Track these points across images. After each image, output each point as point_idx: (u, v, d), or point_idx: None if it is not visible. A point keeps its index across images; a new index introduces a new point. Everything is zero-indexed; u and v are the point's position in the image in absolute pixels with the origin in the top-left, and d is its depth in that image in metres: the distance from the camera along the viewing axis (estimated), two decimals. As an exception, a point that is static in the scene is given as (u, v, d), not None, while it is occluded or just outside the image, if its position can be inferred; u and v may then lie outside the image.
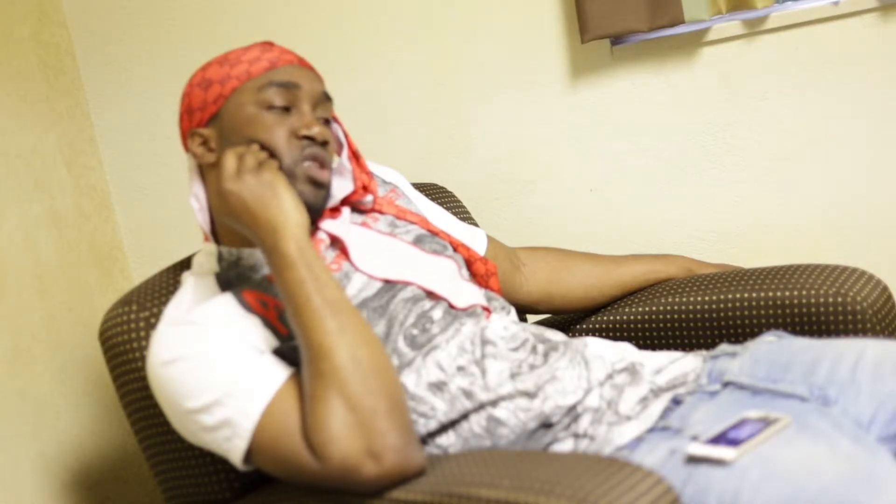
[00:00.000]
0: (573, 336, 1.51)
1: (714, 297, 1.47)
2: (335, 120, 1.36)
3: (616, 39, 1.96)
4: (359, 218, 1.37)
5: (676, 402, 1.23)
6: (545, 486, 0.93)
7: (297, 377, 1.12)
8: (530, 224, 2.04)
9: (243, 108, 1.26)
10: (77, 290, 1.87)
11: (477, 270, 1.41)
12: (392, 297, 1.25)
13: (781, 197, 1.98)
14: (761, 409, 1.14)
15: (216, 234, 1.30)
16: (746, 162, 1.97)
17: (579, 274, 1.58)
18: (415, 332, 1.23)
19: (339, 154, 1.37)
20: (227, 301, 1.20)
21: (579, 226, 2.03)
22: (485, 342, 1.23)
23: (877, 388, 1.13)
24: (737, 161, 1.98)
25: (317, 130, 1.25)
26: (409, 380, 1.20)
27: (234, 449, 1.11)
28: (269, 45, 1.32)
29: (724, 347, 1.32)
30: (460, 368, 1.20)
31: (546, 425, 1.19)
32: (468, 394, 1.19)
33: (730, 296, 1.45)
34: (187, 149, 1.30)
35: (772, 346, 1.27)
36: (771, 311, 1.41)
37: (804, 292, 1.39)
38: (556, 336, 1.29)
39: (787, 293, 1.40)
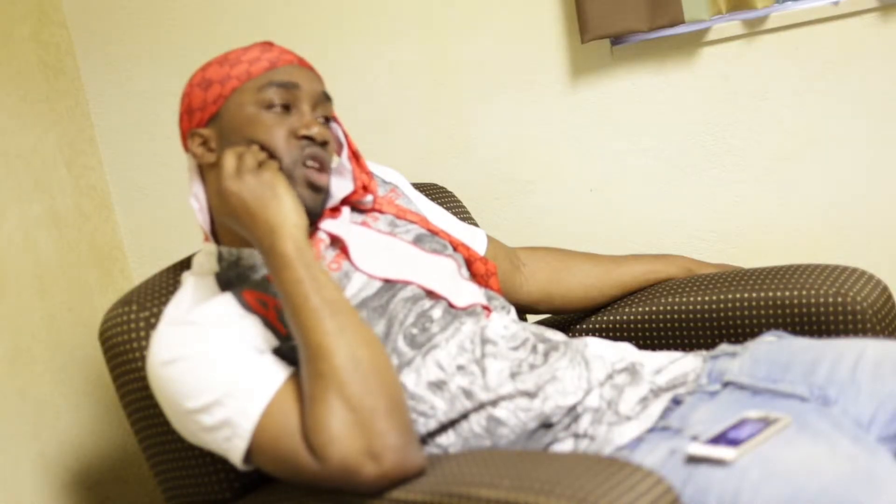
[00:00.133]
0: (573, 336, 1.51)
1: (714, 297, 1.47)
2: (335, 120, 1.36)
3: (616, 39, 1.96)
4: (359, 217, 1.37)
5: (676, 402, 1.23)
6: (545, 486, 0.93)
7: (296, 377, 1.12)
8: (530, 224, 2.04)
9: (243, 108, 1.26)
10: (77, 290, 1.87)
11: (477, 270, 1.41)
12: (392, 297, 1.25)
13: (781, 197, 1.98)
14: (761, 409, 1.14)
15: (216, 234, 1.30)
16: (746, 162, 1.97)
17: (579, 274, 1.58)
18: (414, 331, 1.23)
19: (339, 154, 1.37)
20: (227, 301, 1.20)
21: (579, 226, 2.03)
22: (485, 341, 1.23)
23: (877, 388, 1.13)
24: (737, 161, 1.98)
25: (316, 130, 1.25)
26: (408, 379, 1.20)
27: (234, 449, 1.11)
28: (268, 45, 1.32)
29: (724, 347, 1.32)
30: (460, 367, 1.20)
31: (546, 425, 1.19)
32: (468, 393, 1.19)
33: (730, 296, 1.45)
34: (187, 149, 1.30)
35: (772, 346, 1.27)
36: (771, 311, 1.41)
37: (804, 292, 1.39)
38: (557, 336, 1.29)
39: (787, 293, 1.40)
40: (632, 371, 1.25)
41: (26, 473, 1.64)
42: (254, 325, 1.18)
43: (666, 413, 1.21)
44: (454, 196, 1.75)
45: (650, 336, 1.53)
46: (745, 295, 1.44)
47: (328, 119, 1.33)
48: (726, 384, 1.24)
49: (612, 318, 1.57)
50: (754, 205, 1.99)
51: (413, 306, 1.25)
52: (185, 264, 1.43)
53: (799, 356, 1.22)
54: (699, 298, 1.48)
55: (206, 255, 1.31)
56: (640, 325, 1.54)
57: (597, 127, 2.00)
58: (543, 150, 2.02)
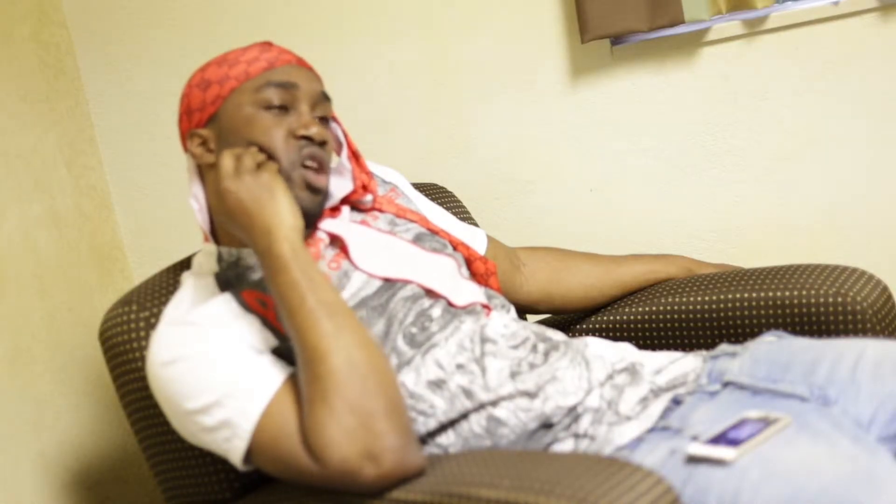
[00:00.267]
0: (573, 336, 1.51)
1: (714, 297, 1.47)
2: (334, 119, 1.36)
3: (616, 39, 1.96)
4: (358, 216, 1.37)
5: (676, 402, 1.23)
6: (545, 486, 0.93)
7: (296, 378, 1.12)
8: (530, 224, 2.04)
9: (241, 109, 1.26)
10: (77, 290, 1.87)
11: (476, 269, 1.41)
12: (391, 296, 1.25)
13: (781, 197, 1.98)
14: (761, 409, 1.14)
15: (216, 234, 1.30)
16: (746, 162, 1.97)
17: (579, 274, 1.58)
18: (414, 330, 1.23)
19: (339, 154, 1.37)
20: (227, 301, 1.20)
21: (579, 226, 2.03)
22: (484, 340, 1.23)
23: (877, 388, 1.13)
24: (737, 161, 1.98)
25: (314, 130, 1.25)
26: (408, 378, 1.20)
27: (234, 450, 1.11)
28: (267, 45, 1.32)
29: (724, 347, 1.32)
30: (459, 366, 1.20)
31: (546, 425, 1.18)
32: (468, 392, 1.19)
33: (730, 296, 1.45)
34: (186, 149, 1.30)
35: (772, 346, 1.27)
36: (771, 311, 1.41)
37: (804, 292, 1.39)
38: (557, 335, 1.29)
39: (787, 293, 1.40)
40: (632, 371, 1.25)
41: (26, 473, 1.64)
42: (253, 326, 1.18)
43: (666, 413, 1.21)
44: (454, 196, 1.75)
45: (650, 336, 1.53)
46: (745, 295, 1.44)
47: (327, 119, 1.32)
48: (726, 384, 1.24)
49: (612, 318, 1.57)
50: (754, 205, 1.99)
51: (412, 305, 1.25)
52: (185, 264, 1.43)
53: (799, 356, 1.22)
54: (699, 298, 1.48)
55: (206, 256, 1.31)
56: (640, 325, 1.54)
57: (597, 127, 2.00)
58: (543, 150, 2.02)
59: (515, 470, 1.00)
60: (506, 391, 1.18)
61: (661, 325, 1.51)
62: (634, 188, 2.01)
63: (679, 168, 1.99)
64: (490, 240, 1.54)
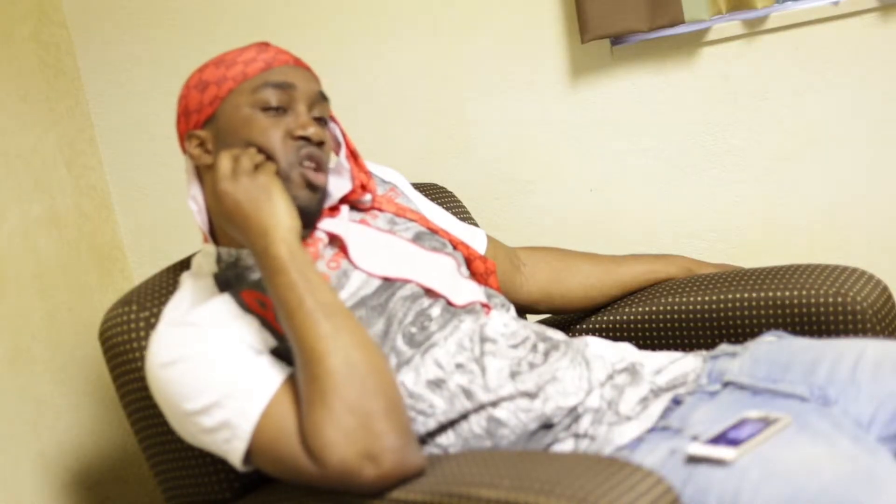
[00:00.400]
0: (573, 336, 1.50)
1: (714, 297, 1.47)
2: (332, 119, 1.36)
3: (616, 39, 1.96)
4: (357, 216, 1.37)
5: (676, 402, 1.23)
6: (545, 486, 0.93)
7: (295, 378, 1.12)
8: (530, 224, 2.04)
9: (239, 110, 1.26)
10: (77, 290, 1.87)
11: (476, 268, 1.41)
12: (391, 295, 1.25)
13: (781, 197, 1.98)
14: (761, 409, 1.13)
15: (215, 235, 1.30)
16: (746, 162, 1.97)
17: (579, 274, 1.58)
18: (413, 330, 1.23)
19: (337, 153, 1.37)
20: (226, 301, 1.20)
21: (579, 226, 2.03)
22: (484, 339, 1.23)
23: (877, 388, 1.13)
24: (737, 161, 1.98)
25: (312, 131, 1.25)
26: (407, 378, 1.20)
27: (234, 450, 1.11)
28: (264, 45, 1.32)
29: (724, 347, 1.32)
30: (459, 366, 1.20)
31: (547, 426, 1.18)
32: (468, 393, 1.19)
33: (730, 296, 1.45)
34: (185, 151, 1.30)
35: (772, 346, 1.27)
36: (771, 311, 1.41)
37: (804, 292, 1.39)
38: (557, 335, 1.29)
39: (787, 293, 1.40)
40: (632, 371, 1.25)
41: (26, 473, 1.64)
42: (252, 326, 1.18)
43: (666, 413, 1.21)
44: (454, 196, 1.75)
45: (650, 336, 1.53)
46: (745, 295, 1.44)
47: (325, 119, 1.32)
48: (726, 384, 1.24)
49: (612, 318, 1.57)
50: (754, 205, 1.99)
51: (412, 305, 1.25)
52: (185, 264, 1.43)
53: (799, 356, 1.22)
54: (699, 298, 1.48)
55: (205, 256, 1.31)
56: (640, 325, 1.54)
57: (597, 127, 2.00)
58: (543, 150, 2.02)
59: (515, 470, 1.00)
60: (506, 392, 1.18)
61: (661, 325, 1.51)
62: (634, 188, 2.01)
63: (679, 168, 1.99)
64: (490, 240, 1.54)
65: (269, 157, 1.23)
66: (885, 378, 1.13)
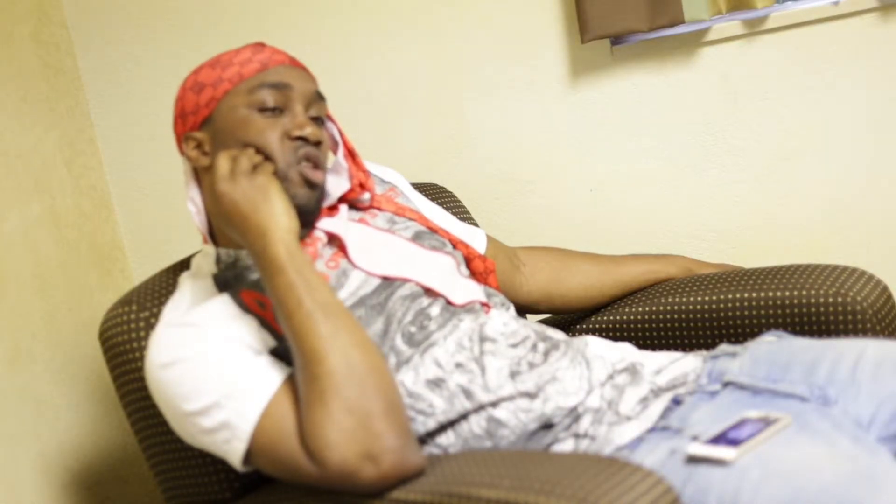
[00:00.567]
0: (573, 336, 1.50)
1: (714, 297, 1.47)
2: (329, 118, 1.36)
3: (616, 39, 1.96)
4: (357, 215, 1.37)
5: (676, 402, 1.23)
6: (545, 486, 0.93)
7: (294, 378, 1.12)
8: (530, 224, 2.04)
9: (236, 111, 1.26)
10: (77, 290, 1.87)
11: (476, 268, 1.41)
12: (390, 295, 1.25)
13: (781, 196, 1.98)
14: (761, 409, 1.14)
15: (214, 236, 1.30)
16: (746, 162, 1.97)
17: (579, 274, 1.58)
18: (413, 329, 1.23)
19: (335, 153, 1.37)
20: (225, 302, 1.20)
21: (579, 226, 2.03)
22: (483, 339, 1.23)
23: (877, 388, 1.13)
24: (737, 161, 1.98)
25: (309, 131, 1.25)
26: (407, 377, 1.20)
27: (233, 451, 1.11)
28: (260, 45, 1.32)
29: (724, 347, 1.32)
30: (458, 365, 1.20)
31: (547, 426, 1.18)
32: (467, 392, 1.18)
33: (730, 296, 1.45)
34: (182, 153, 1.30)
35: (772, 346, 1.27)
36: (771, 311, 1.41)
37: (804, 292, 1.39)
38: (557, 334, 1.29)
39: (787, 293, 1.40)
40: (632, 371, 1.25)
41: (26, 473, 1.64)
42: (251, 326, 1.18)
43: (666, 413, 1.21)
44: (454, 196, 1.75)
45: (650, 336, 1.53)
46: (745, 295, 1.44)
47: (322, 118, 1.32)
48: (726, 384, 1.24)
49: (612, 318, 1.57)
50: (754, 205, 1.99)
51: (411, 304, 1.25)
52: (185, 265, 1.43)
53: (799, 356, 1.22)
54: (699, 298, 1.48)
55: (204, 257, 1.31)
56: (640, 325, 1.54)
57: (597, 127, 2.00)
58: (543, 150, 2.02)
59: (515, 470, 1.00)
60: (506, 392, 1.18)
61: (661, 325, 1.51)
62: (634, 188, 2.01)
63: (679, 168, 1.99)
64: (490, 239, 1.54)
65: (267, 158, 1.23)
66: (885, 378, 1.13)
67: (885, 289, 1.40)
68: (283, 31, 1.98)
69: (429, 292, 1.28)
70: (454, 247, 1.41)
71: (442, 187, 1.75)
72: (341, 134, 1.37)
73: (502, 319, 1.27)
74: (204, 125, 1.28)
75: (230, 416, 1.10)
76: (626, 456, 1.14)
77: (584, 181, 2.02)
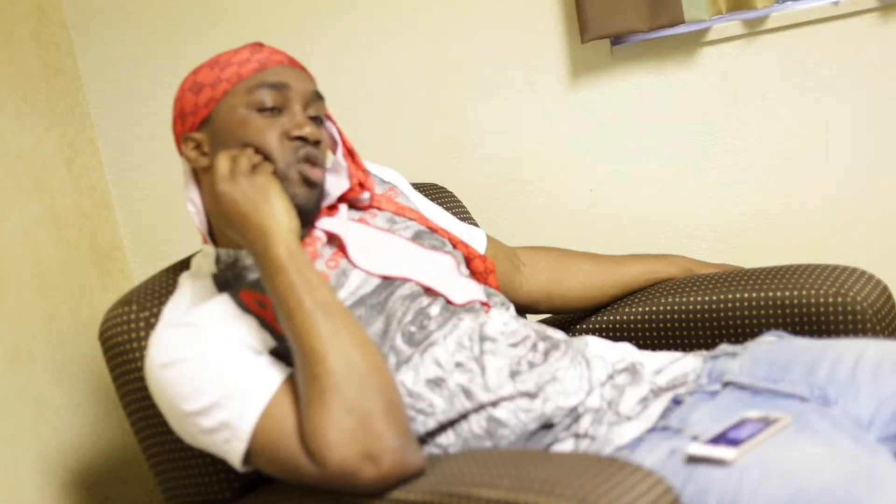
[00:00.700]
0: (573, 336, 1.50)
1: (714, 297, 1.47)
2: (328, 118, 1.36)
3: (616, 39, 1.96)
4: (356, 214, 1.37)
5: (676, 402, 1.23)
6: (545, 486, 0.93)
7: (294, 378, 1.12)
8: (530, 224, 2.04)
9: (235, 111, 1.26)
10: (77, 290, 1.87)
11: (475, 267, 1.41)
12: (390, 294, 1.25)
13: (781, 196, 1.98)
14: (761, 409, 1.14)
15: (214, 236, 1.30)
16: (746, 162, 1.97)
17: (579, 274, 1.58)
18: (413, 329, 1.23)
19: (334, 152, 1.37)
20: (224, 302, 1.20)
21: (579, 226, 2.03)
22: (483, 338, 1.23)
23: (877, 388, 1.13)
24: (737, 161, 1.98)
25: (308, 130, 1.25)
26: (407, 377, 1.20)
27: (233, 451, 1.11)
28: (258, 45, 1.32)
29: (724, 347, 1.32)
30: (458, 365, 1.20)
31: (547, 426, 1.18)
32: (467, 392, 1.18)
33: (730, 296, 1.45)
34: (181, 153, 1.30)
35: (772, 346, 1.27)
36: (771, 311, 1.41)
37: (804, 292, 1.39)
38: (558, 334, 1.29)
39: (787, 293, 1.40)
40: (632, 371, 1.25)
41: (26, 473, 1.64)
42: (251, 326, 1.18)
43: (666, 413, 1.21)
44: (454, 196, 1.75)
45: (650, 336, 1.53)
46: (745, 295, 1.44)
47: (321, 118, 1.32)
48: (726, 384, 1.24)
49: (612, 318, 1.57)
50: (754, 205, 1.99)
51: (411, 304, 1.25)
52: (185, 265, 1.43)
53: (799, 356, 1.22)
54: (699, 298, 1.48)
55: (204, 257, 1.31)
56: (640, 325, 1.54)
57: (597, 127, 2.00)
58: (543, 150, 2.02)
59: (515, 470, 1.00)
60: (506, 392, 1.18)
61: (661, 325, 1.51)
62: (634, 188, 2.01)
63: (679, 168, 1.99)
64: (490, 239, 1.54)
65: (267, 158, 1.23)
66: (885, 378, 1.13)
67: (885, 289, 1.40)
68: (283, 31, 1.98)
69: (429, 292, 1.28)
70: (454, 246, 1.41)
71: (442, 187, 1.75)
72: (340, 133, 1.37)
73: (502, 319, 1.27)
74: (203, 126, 1.28)
75: (230, 416, 1.10)
76: (626, 456, 1.14)
77: (584, 181, 2.02)
